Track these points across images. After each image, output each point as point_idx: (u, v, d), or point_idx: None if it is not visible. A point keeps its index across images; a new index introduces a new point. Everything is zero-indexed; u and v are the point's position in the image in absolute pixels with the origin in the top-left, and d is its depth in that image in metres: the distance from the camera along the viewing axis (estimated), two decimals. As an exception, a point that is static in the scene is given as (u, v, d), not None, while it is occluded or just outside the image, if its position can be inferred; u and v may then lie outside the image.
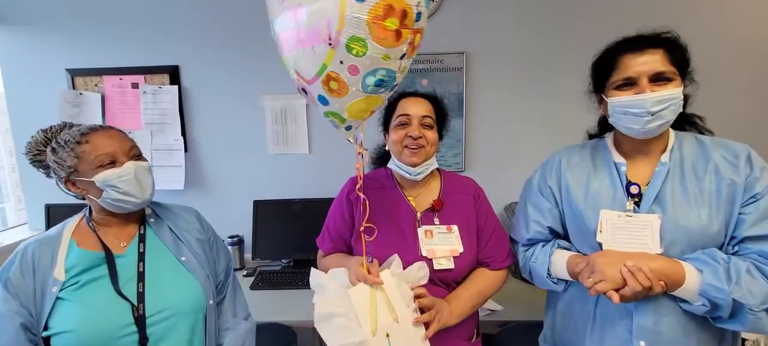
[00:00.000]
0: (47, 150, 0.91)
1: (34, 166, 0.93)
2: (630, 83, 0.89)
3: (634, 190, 0.93)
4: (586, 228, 0.97)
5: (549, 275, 1.03)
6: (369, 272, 1.00)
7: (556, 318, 1.09)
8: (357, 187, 1.03)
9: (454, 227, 1.12)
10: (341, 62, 0.77)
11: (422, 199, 1.16)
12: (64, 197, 1.00)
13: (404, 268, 1.04)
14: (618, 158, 0.99)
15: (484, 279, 1.12)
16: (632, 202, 0.93)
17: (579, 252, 1.01)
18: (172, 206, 1.09)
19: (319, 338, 0.99)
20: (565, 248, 1.04)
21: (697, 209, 0.88)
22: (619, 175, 0.97)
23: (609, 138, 1.03)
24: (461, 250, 1.09)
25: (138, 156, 0.95)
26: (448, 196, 1.16)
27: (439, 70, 1.95)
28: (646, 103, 0.86)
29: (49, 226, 1.94)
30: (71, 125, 0.94)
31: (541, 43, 1.91)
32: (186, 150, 2.08)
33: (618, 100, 0.90)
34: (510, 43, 1.93)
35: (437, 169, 1.20)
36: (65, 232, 0.93)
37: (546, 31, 1.91)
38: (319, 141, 2.06)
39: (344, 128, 0.93)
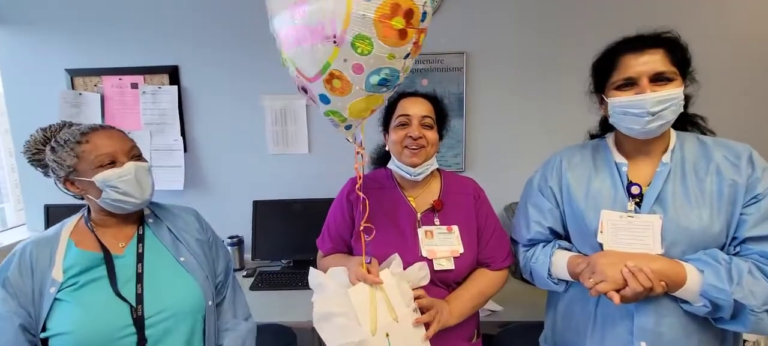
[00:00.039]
0: (46, 149, 0.90)
1: (33, 165, 0.93)
2: (630, 83, 0.89)
3: (635, 190, 0.93)
4: (586, 228, 0.96)
5: (550, 275, 1.02)
6: (369, 272, 1.00)
7: (557, 319, 1.09)
8: (356, 186, 1.03)
9: (455, 228, 1.11)
10: (345, 60, 0.76)
11: (422, 199, 1.16)
12: (63, 197, 1.00)
13: (404, 269, 1.03)
14: (619, 158, 0.98)
15: (484, 280, 1.12)
16: (633, 202, 0.93)
17: (580, 253, 1.00)
18: (171, 206, 1.09)
19: (319, 339, 0.98)
20: (565, 249, 1.03)
21: (699, 209, 0.87)
22: (620, 175, 0.96)
23: (610, 138, 1.03)
24: (462, 250, 1.09)
25: (138, 156, 0.95)
26: (448, 196, 1.16)
27: (439, 70, 1.95)
28: (647, 104, 0.86)
29: (48, 227, 1.93)
30: (71, 124, 0.94)
31: (541, 43, 1.91)
32: (185, 150, 2.08)
33: (618, 101, 0.90)
34: (510, 43, 1.92)
35: (437, 169, 1.20)
36: (63, 232, 0.93)
37: (546, 31, 1.90)
38: (318, 141, 2.06)
39: (344, 127, 0.93)
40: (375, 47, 0.74)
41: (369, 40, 0.73)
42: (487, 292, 1.12)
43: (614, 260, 0.86)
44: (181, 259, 0.98)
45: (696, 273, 0.83)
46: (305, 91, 0.89)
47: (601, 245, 0.93)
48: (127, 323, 0.87)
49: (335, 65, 0.77)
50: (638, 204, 0.93)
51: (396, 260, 1.03)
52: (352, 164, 1.00)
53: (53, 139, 0.90)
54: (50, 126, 0.93)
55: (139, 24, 2.00)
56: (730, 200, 0.87)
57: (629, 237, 0.90)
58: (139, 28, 2.00)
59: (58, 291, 0.86)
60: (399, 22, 0.73)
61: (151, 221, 1.01)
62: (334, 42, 0.74)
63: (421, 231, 1.10)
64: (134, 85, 2.03)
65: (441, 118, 1.17)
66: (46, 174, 0.94)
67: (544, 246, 1.07)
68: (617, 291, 0.84)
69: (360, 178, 1.01)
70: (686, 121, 0.99)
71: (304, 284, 1.73)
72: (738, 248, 0.87)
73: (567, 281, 1.01)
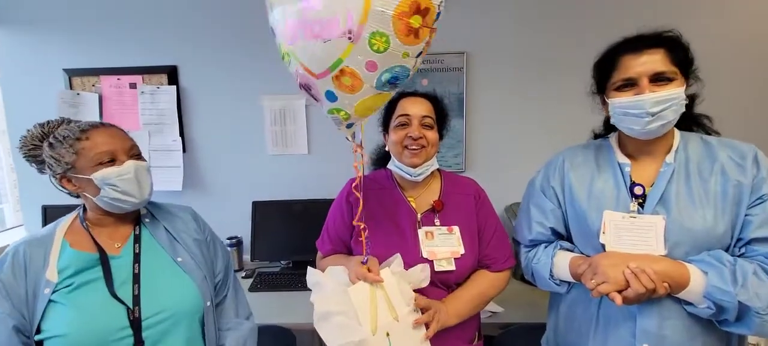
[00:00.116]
0: (44, 145, 0.89)
1: (28, 160, 0.91)
2: (630, 84, 0.88)
3: (638, 191, 0.92)
4: (589, 229, 0.95)
5: (551, 276, 1.01)
6: (369, 270, 0.99)
7: (559, 320, 1.08)
8: (353, 185, 1.02)
9: (455, 228, 1.11)
10: (360, 57, 0.75)
11: (422, 200, 1.15)
12: (60, 198, 0.99)
13: (405, 269, 1.02)
14: (622, 159, 0.97)
15: (485, 281, 1.11)
16: (636, 203, 0.92)
17: (582, 253, 1.00)
18: (167, 205, 1.07)
19: (319, 340, 0.97)
20: (567, 249, 1.02)
21: (703, 210, 0.86)
22: (623, 175, 0.96)
23: (613, 138, 1.02)
24: (462, 251, 1.08)
25: (138, 156, 0.94)
26: (448, 196, 1.15)
27: (439, 70, 1.95)
28: (646, 104, 0.85)
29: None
30: (69, 121, 0.93)
31: (541, 43, 1.91)
32: (184, 151, 2.07)
33: (618, 102, 0.90)
34: (510, 43, 1.92)
35: (438, 169, 1.19)
36: (58, 232, 0.92)
37: (546, 31, 1.90)
38: (318, 142, 2.05)
39: (346, 126, 0.92)
40: (391, 45, 0.73)
41: (386, 37, 0.72)
42: (487, 293, 1.11)
43: (616, 260, 0.86)
44: (179, 259, 0.97)
45: (700, 274, 0.82)
46: (306, 88, 0.87)
47: (603, 246, 0.92)
48: (123, 324, 0.86)
49: (348, 62, 0.76)
50: (641, 205, 0.92)
51: (397, 259, 1.02)
52: (351, 165, 0.99)
53: (51, 136, 0.89)
54: (48, 122, 0.92)
55: (137, 24, 1.99)
56: (735, 200, 0.86)
57: (632, 238, 0.89)
58: (138, 28, 1.99)
59: (53, 292, 0.84)
60: (417, 21, 0.72)
61: (147, 220, 1.00)
62: (350, 38, 0.73)
63: (421, 232, 1.09)
64: (133, 85, 2.02)
65: (441, 118, 1.16)
66: (41, 171, 0.92)
67: (545, 247, 1.06)
68: (619, 292, 0.83)
69: (359, 177, 1.00)
70: (692, 121, 0.98)
71: (303, 285, 1.71)
72: (743, 249, 0.86)
73: (569, 283, 1.00)
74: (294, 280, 1.81)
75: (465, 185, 1.20)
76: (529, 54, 1.92)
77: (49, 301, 0.84)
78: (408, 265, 1.03)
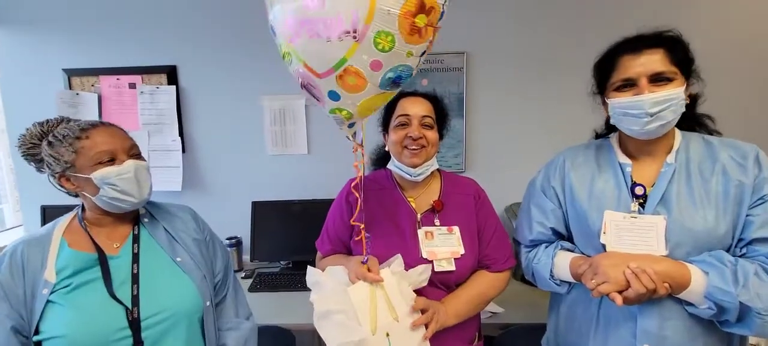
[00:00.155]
0: (43, 144, 0.89)
1: (26, 159, 0.91)
2: (629, 84, 0.88)
3: (639, 191, 0.92)
4: (589, 229, 0.95)
5: (552, 276, 1.01)
6: (369, 270, 0.99)
7: (559, 321, 1.08)
8: (353, 185, 1.02)
9: (455, 229, 1.10)
10: (365, 57, 0.75)
11: (422, 200, 1.15)
12: (59, 198, 0.98)
13: (405, 270, 1.02)
14: (623, 159, 0.97)
15: (484, 282, 1.11)
16: (637, 203, 0.91)
17: (582, 254, 0.99)
18: (166, 205, 1.07)
19: (319, 341, 0.97)
20: (568, 250, 1.02)
21: (704, 210, 0.86)
22: (623, 175, 0.95)
23: (614, 138, 1.02)
24: (462, 251, 1.08)
25: (138, 155, 0.94)
26: (448, 197, 1.15)
27: (439, 70, 1.94)
28: (645, 105, 0.85)
29: (44, 228, 1.92)
30: (69, 120, 0.92)
31: (541, 43, 1.91)
32: (184, 151, 2.07)
33: (617, 102, 0.90)
34: (510, 43, 1.92)
35: (437, 169, 1.19)
36: (56, 231, 0.91)
37: (546, 31, 1.90)
38: (318, 142, 2.05)
39: (348, 125, 0.91)
40: (397, 44, 0.74)
41: (392, 36, 0.72)
42: (486, 294, 1.10)
43: (617, 261, 0.85)
44: (178, 259, 0.97)
45: (700, 275, 0.82)
46: (307, 88, 0.86)
47: (604, 246, 0.92)
48: (122, 325, 0.85)
49: (352, 61, 0.76)
50: (642, 205, 0.91)
51: (397, 259, 1.02)
52: (351, 165, 0.99)
53: (51, 134, 0.89)
54: (47, 120, 0.91)
55: (137, 24, 1.99)
56: (737, 200, 0.85)
57: (633, 238, 0.88)
58: (137, 28, 1.99)
59: (51, 293, 0.84)
60: (422, 20, 0.72)
61: (146, 220, 0.99)
62: (354, 37, 0.72)
63: (421, 232, 1.09)
64: (132, 85, 2.02)
65: (441, 117, 1.16)
66: (39, 170, 0.92)
67: (546, 247, 1.06)
68: (620, 293, 0.82)
69: (359, 176, 1.00)
70: (694, 121, 0.98)
71: (303, 286, 1.71)
72: (744, 250, 0.85)
73: (569, 283, 1.00)
74: (294, 280, 1.81)
75: (465, 185, 1.20)
76: (529, 54, 1.92)
77: (48, 301, 0.84)
78: (408, 265, 1.03)
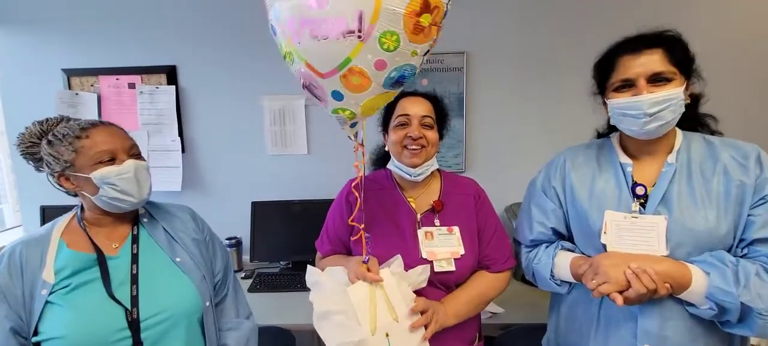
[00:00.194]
0: (42, 142, 0.88)
1: (25, 158, 0.90)
2: (628, 85, 0.88)
3: (639, 191, 0.92)
4: (590, 229, 0.95)
5: (552, 276, 1.01)
6: (369, 270, 0.98)
7: (560, 321, 1.07)
8: (353, 185, 1.01)
9: (455, 229, 1.10)
10: (369, 56, 0.75)
11: (422, 200, 1.15)
12: (59, 198, 0.98)
13: (405, 270, 1.02)
14: (624, 158, 0.97)
15: (484, 282, 1.11)
16: (638, 203, 0.91)
17: (583, 254, 0.99)
18: (166, 205, 1.07)
19: (319, 341, 0.97)
20: (568, 250, 1.02)
21: (705, 210, 0.86)
22: (624, 175, 0.95)
23: (615, 138, 1.02)
24: (462, 252, 1.07)
25: (138, 155, 0.94)
26: (448, 197, 1.15)
27: (439, 70, 1.94)
28: (643, 105, 0.85)
29: (44, 228, 1.92)
30: (68, 119, 0.92)
31: (541, 43, 1.91)
32: (183, 151, 2.06)
33: (616, 102, 0.90)
34: (510, 43, 1.92)
35: (437, 169, 1.18)
36: (54, 232, 0.91)
37: (546, 31, 1.90)
38: (317, 142, 2.05)
39: (350, 125, 0.91)
40: (402, 44, 0.74)
41: (397, 36, 0.72)
42: (486, 294, 1.10)
43: (618, 261, 0.85)
44: (177, 259, 0.96)
45: (702, 275, 0.82)
46: (309, 88, 0.86)
47: (604, 246, 0.92)
48: (121, 326, 0.85)
49: (357, 61, 0.75)
50: (643, 205, 0.91)
51: (397, 260, 1.02)
52: (351, 165, 0.99)
53: (50, 133, 0.88)
54: (47, 119, 0.91)
55: (136, 24, 1.98)
56: (738, 200, 0.85)
57: (633, 238, 0.88)
58: (137, 28, 1.99)
59: (50, 294, 0.84)
60: (426, 19, 0.73)
61: (145, 220, 0.99)
62: (359, 37, 0.72)
63: (421, 232, 1.09)
64: (131, 85, 2.02)
65: (441, 117, 1.15)
66: (38, 169, 0.92)
67: (546, 247, 1.05)
68: (621, 293, 0.82)
69: (360, 175, 1.00)
70: (696, 121, 0.98)
71: (303, 286, 1.70)
72: (745, 250, 0.85)
73: (570, 283, 1.00)
74: (293, 280, 1.80)
75: (465, 185, 1.19)
76: (529, 54, 1.92)
77: (47, 302, 0.83)
78: (408, 265, 1.02)
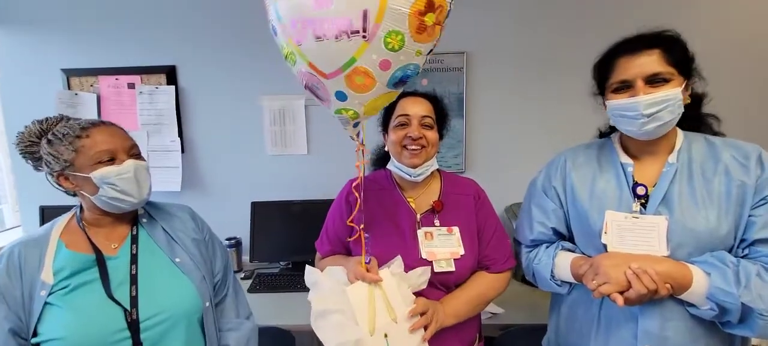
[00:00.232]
0: (42, 141, 0.88)
1: (24, 157, 0.90)
2: (626, 86, 0.88)
3: (640, 191, 0.92)
4: (590, 229, 0.95)
5: (552, 277, 1.01)
6: (368, 271, 0.98)
7: (560, 321, 1.07)
8: (354, 185, 1.01)
9: (455, 229, 1.10)
10: (374, 56, 0.75)
11: (422, 200, 1.14)
12: (58, 198, 0.97)
13: (405, 272, 1.02)
14: (625, 158, 0.97)
15: (484, 282, 1.10)
16: (638, 203, 0.91)
17: (583, 254, 0.99)
18: (165, 205, 1.06)
19: (319, 342, 0.97)
20: (569, 250, 1.02)
21: (706, 210, 0.86)
22: (625, 175, 0.95)
23: (616, 138, 1.02)
24: (462, 252, 1.07)
25: (138, 155, 0.93)
26: (448, 197, 1.15)
27: (439, 70, 1.94)
28: (640, 106, 0.85)
29: (43, 228, 1.91)
30: (68, 118, 0.92)
31: (541, 43, 1.90)
32: (183, 151, 2.06)
33: (614, 104, 0.90)
34: (510, 43, 1.92)
35: (437, 170, 1.18)
36: (53, 232, 0.90)
37: (546, 31, 1.90)
38: (317, 142, 2.05)
39: (353, 125, 0.91)
40: (407, 43, 0.74)
41: (402, 36, 0.72)
42: (486, 295, 1.10)
43: (618, 261, 0.85)
44: (177, 260, 0.96)
45: (702, 276, 0.82)
46: (312, 88, 0.85)
47: (605, 246, 0.91)
48: (121, 327, 0.85)
49: (361, 61, 0.75)
50: (644, 205, 0.91)
51: (397, 261, 1.02)
52: (351, 165, 0.98)
53: (50, 132, 0.88)
54: (47, 118, 0.90)
55: (136, 24, 1.98)
56: (739, 201, 0.85)
57: (634, 238, 0.88)
58: (136, 28, 1.98)
59: (49, 295, 0.83)
60: (431, 18, 0.73)
61: (145, 220, 0.99)
62: (364, 37, 0.72)
63: (420, 232, 1.09)
64: (131, 85, 2.01)
65: (441, 117, 1.15)
66: (36, 168, 0.91)
67: (547, 247, 1.05)
68: (621, 293, 0.82)
69: (361, 175, 1.00)
70: (699, 121, 0.98)
71: (303, 286, 1.70)
72: (746, 251, 0.85)
73: (570, 283, 1.00)
74: (293, 281, 1.80)
75: (465, 185, 1.19)
76: (529, 54, 1.92)
77: (45, 303, 0.83)
78: (407, 266, 1.02)
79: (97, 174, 0.86)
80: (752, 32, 1.86)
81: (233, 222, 2.00)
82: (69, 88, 2.03)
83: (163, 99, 2.01)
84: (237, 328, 1.03)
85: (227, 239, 1.96)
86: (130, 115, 2.03)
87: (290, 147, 2.05)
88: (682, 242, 0.86)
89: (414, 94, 1.14)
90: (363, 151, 0.96)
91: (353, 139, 0.95)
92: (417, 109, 1.09)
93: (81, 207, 0.95)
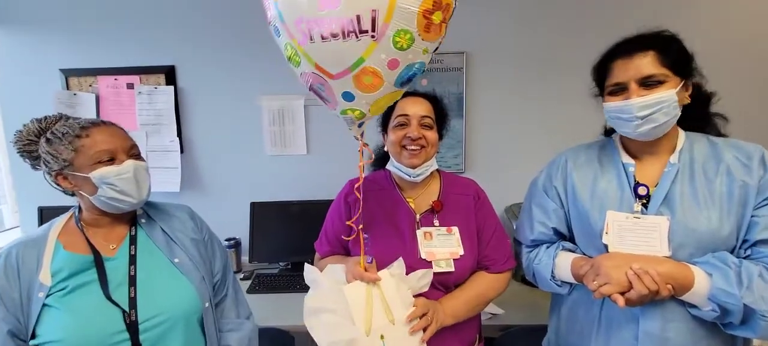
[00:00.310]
0: (41, 141, 0.87)
1: (22, 156, 0.89)
2: (621, 89, 0.89)
3: (641, 191, 0.91)
4: (591, 229, 0.95)
5: (553, 277, 1.01)
6: (367, 271, 0.98)
7: (561, 322, 1.07)
8: (356, 186, 1.01)
9: (455, 229, 1.09)
10: (383, 56, 0.75)
11: (421, 200, 1.14)
12: (57, 199, 0.97)
13: (406, 273, 1.01)
14: (626, 158, 0.97)
15: (483, 283, 1.10)
16: (640, 203, 0.91)
17: (584, 254, 0.99)
18: (164, 205, 1.06)
19: (318, 343, 0.96)
20: (569, 250, 1.02)
21: (707, 211, 0.85)
22: (626, 175, 0.95)
23: (617, 138, 1.02)
24: (462, 252, 1.07)
25: (137, 156, 0.93)
26: (448, 197, 1.14)
27: (439, 70, 1.94)
28: (633, 109, 0.85)
29: (41, 229, 1.91)
30: (68, 117, 0.91)
31: (541, 43, 1.90)
32: (182, 151, 2.05)
33: (611, 106, 0.91)
34: (510, 43, 1.91)
35: (437, 170, 1.18)
36: (51, 233, 0.90)
37: (546, 31, 1.90)
38: (317, 142, 2.04)
39: (358, 125, 0.91)
40: (415, 42, 0.74)
41: (410, 35, 0.72)
42: (485, 295, 1.09)
43: (619, 261, 0.85)
44: (176, 260, 0.95)
45: (704, 276, 0.81)
46: (317, 89, 0.84)
47: (606, 247, 0.91)
48: (119, 328, 0.84)
49: (370, 61, 0.75)
50: (645, 205, 0.91)
51: (398, 262, 1.01)
52: (350, 165, 0.98)
53: (49, 131, 0.87)
54: (46, 117, 0.90)
55: (135, 24, 1.97)
56: (741, 201, 0.85)
57: (635, 239, 0.88)
58: (136, 28, 1.98)
59: (47, 296, 0.83)
60: (438, 17, 0.73)
61: (143, 221, 0.98)
62: (373, 36, 0.72)
63: (420, 233, 1.08)
64: (130, 86, 2.01)
65: (441, 118, 1.15)
66: (35, 167, 0.91)
67: (547, 247, 1.05)
68: (622, 294, 0.82)
69: (361, 175, 0.99)
70: (704, 121, 0.97)
71: (302, 287, 1.70)
72: (748, 251, 0.85)
73: (571, 284, 0.99)
74: (293, 281, 1.80)
75: (464, 185, 1.19)
76: (529, 54, 1.91)
77: (44, 305, 0.83)
78: (407, 266, 1.02)
79: (97, 174, 0.85)
80: (752, 32, 1.86)
81: (232, 223, 1.99)
82: (68, 89, 2.02)
83: (162, 99, 2.01)
84: (238, 328, 1.03)
85: (226, 240, 1.95)
86: (129, 115, 2.02)
87: (289, 147, 2.04)
88: (683, 243, 0.85)
89: (413, 94, 1.13)
90: (369, 151, 0.96)
91: (358, 139, 0.95)
92: (416, 109, 1.08)
93: (79, 207, 0.94)
